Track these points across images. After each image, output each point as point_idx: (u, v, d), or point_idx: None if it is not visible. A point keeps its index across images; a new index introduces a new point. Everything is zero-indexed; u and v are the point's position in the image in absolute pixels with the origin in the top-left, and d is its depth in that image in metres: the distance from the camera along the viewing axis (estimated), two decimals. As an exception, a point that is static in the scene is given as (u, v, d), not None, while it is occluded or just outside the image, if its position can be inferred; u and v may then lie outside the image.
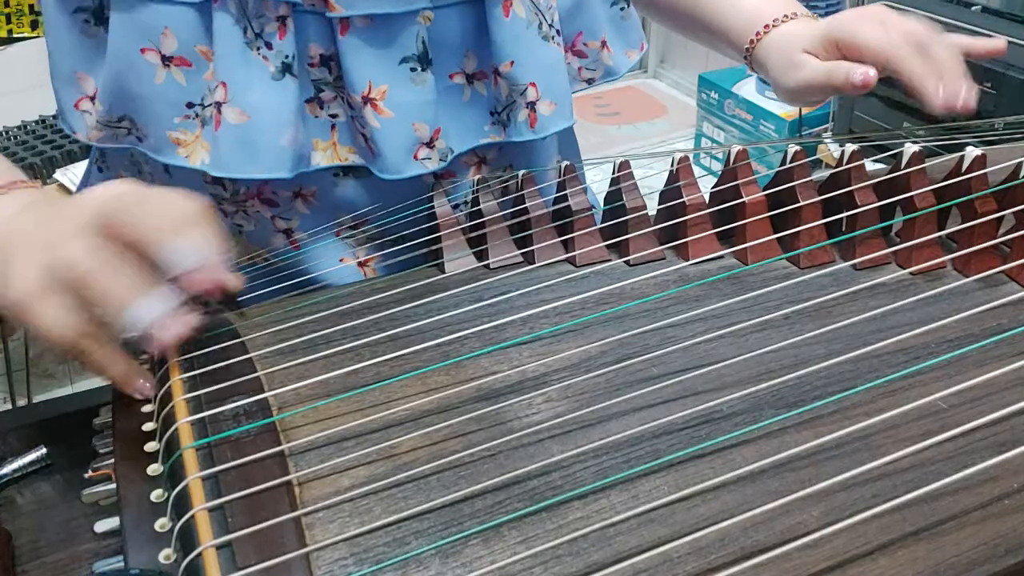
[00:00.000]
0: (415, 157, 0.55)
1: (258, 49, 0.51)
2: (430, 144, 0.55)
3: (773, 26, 0.67)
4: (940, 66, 0.58)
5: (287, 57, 0.51)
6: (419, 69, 0.54)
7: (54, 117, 1.60)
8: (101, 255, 0.39)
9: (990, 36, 0.61)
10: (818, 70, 0.62)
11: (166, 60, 0.52)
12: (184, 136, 0.54)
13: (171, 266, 0.39)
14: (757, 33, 0.67)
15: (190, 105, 0.53)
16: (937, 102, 0.57)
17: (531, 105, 0.57)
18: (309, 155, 0.55)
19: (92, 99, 0.56)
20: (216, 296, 0.42)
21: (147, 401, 0.44)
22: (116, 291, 0.38)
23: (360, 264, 0.62)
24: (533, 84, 0.56)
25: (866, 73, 0.58)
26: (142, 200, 0.40)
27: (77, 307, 0.39)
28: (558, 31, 0.58)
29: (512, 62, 0.55)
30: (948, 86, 0.57)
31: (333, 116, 0.55)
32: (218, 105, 0.52)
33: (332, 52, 0.53)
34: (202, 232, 0.40)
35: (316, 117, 0.55)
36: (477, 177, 0.57)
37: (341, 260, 0.61)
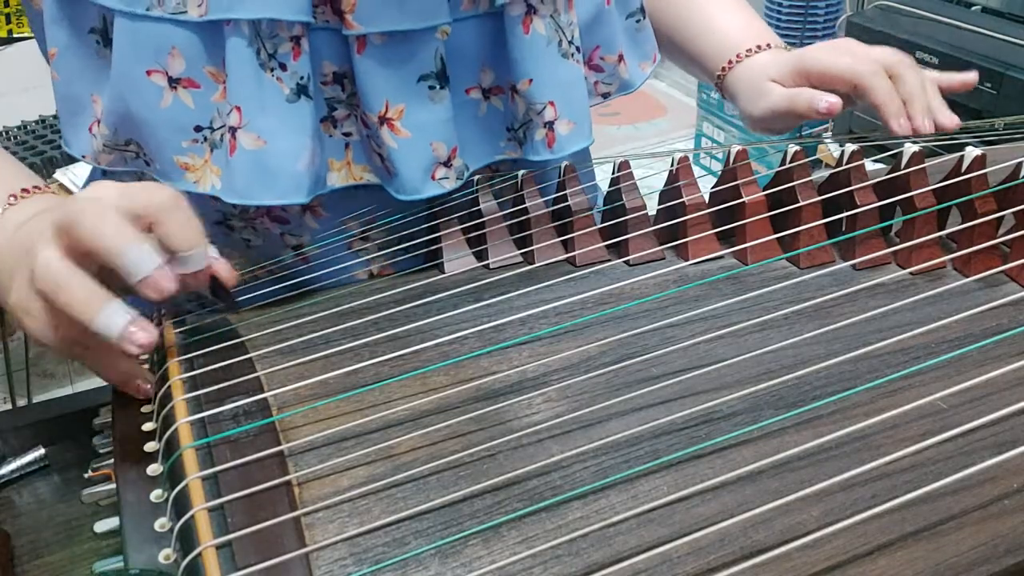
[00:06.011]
0: (432, 177, 0.54)
1: (272, 71, 0.49)
2: (447, 163, 0.54)
3: (746, 56, 0.68)
4: (908, 91, 0.60)
5: (302, 78, 0.50)
6: (437, 87, 0.52)
7: (54, 117, 1.60)
8: (60, 267, 0.39)
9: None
10: (782, 97, 0.64)
11: (173, 82, 0.50)
12: (192, 161, 0.52)
13: (130, 272, 0.39)
14: (729, 62, 0.69)
15: (198, 128, 0.52)
16: (894, 126, 0.59)
17: (549, 124, 0.55)
18: (325, 176, 0.54)
19: (99, 122, 0.54)
20: (206, 285, 0.43)
21: (147, 401, 0.44)
22: (78, 301, 0.39)
23: (372, 277, 0.60)
24: (551, 103, 0.55)
25: (830, 100, 0.61)
26: (106, 207, 0.39)
27: (55, 314, 0.40)
28: (578, 48, 0.56)
29: (530, 80, 0.54)
30: (911, 113, 0.59)
31: (347, 135, 0.54)
32: (232, 130, 0.50)
33: (346, 69, 0.51)
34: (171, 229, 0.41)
35: (330, 136, 0.53)
36: (477, 176, 0.57)
37: (355, 275, 0.59)
